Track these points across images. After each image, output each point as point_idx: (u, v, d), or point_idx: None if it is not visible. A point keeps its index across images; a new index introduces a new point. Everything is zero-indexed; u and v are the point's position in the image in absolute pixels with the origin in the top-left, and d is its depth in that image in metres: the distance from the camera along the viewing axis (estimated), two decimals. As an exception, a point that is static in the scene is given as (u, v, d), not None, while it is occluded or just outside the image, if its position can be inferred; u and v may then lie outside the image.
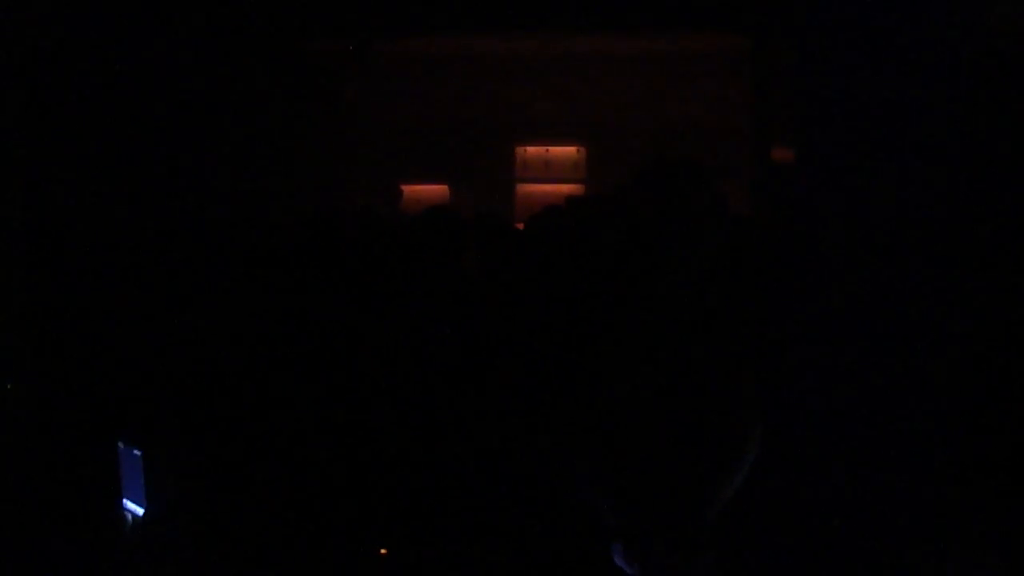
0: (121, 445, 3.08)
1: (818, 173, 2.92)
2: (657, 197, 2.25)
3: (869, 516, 2.90)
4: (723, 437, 2.23)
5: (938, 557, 2.88)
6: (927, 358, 2.91)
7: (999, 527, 3.05)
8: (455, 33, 7.49)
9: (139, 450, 3.01)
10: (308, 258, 3.88)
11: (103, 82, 3.68)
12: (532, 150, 8.71)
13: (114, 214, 3.68)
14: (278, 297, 3.74)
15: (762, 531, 2.68)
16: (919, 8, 2.86)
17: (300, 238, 3.96)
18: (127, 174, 3.78)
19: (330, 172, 7.95)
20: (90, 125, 3.61)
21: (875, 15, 2.85)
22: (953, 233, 2.91)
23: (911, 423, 2.89)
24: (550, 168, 8.68)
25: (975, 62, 2.90)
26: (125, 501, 3.08)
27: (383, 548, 3.27)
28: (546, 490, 2.92)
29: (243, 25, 5.86)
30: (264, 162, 6.50)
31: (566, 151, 8.67)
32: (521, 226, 4.56)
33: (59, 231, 3.47)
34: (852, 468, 2.90)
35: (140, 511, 3.02)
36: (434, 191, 8.55)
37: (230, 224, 4.44)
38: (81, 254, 3.53)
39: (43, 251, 3.37)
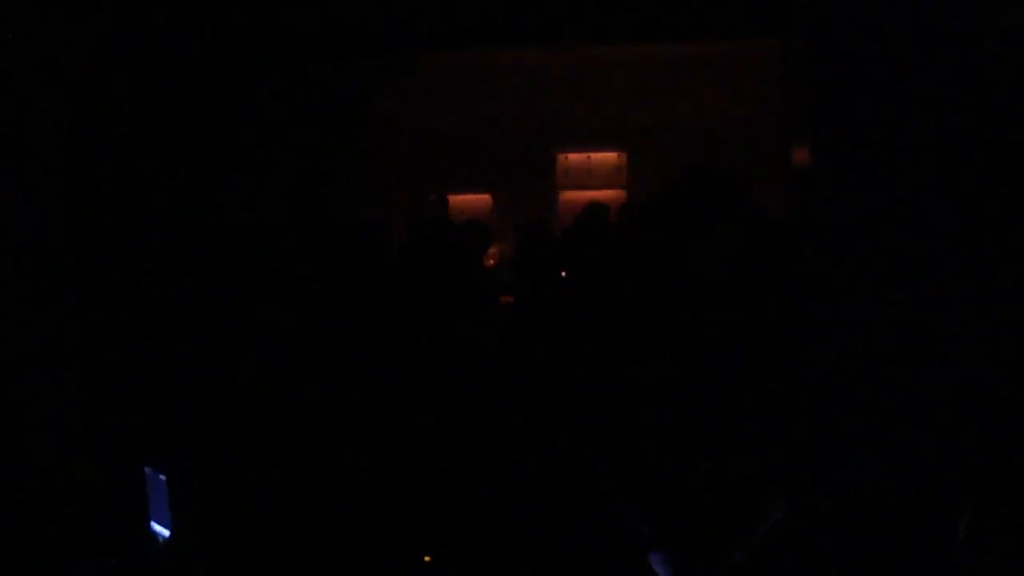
0: (148, 470, 3.22)
1: (829, 176, 2.91)
2: (687, 209, 2.28)
3: (888, 521, 2.89)
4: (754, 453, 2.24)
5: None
6: (947, 362, 2.88)
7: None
8: (494, 46, 7.54)
9: (164, 475, 3.13)
10: (353, 267, 3.94)
11: (147, 94, 3.77)
12: (574, 157, 8.76)
13: (152, 229, 3.76)
14: (318, 308, 3.82)
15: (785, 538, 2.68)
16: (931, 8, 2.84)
17: (347, 247, 4.02)
18: (166, 192, 3.86)
19: (372, 184, 8.06)
20: (132, 138, 3.69)
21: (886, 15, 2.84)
22: (971, 236, 2.87)
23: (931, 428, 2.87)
24: (592, 175, 8.70)
25: (990, 64, 2.86)
26: (152, 523, 3.21)
27: (426, 555, 3.33)
28: (581, 499, 2.95)
29: (281, 40, 5.94)
30: (304, 176, 6.59)
31: (607, 157, 8.69)
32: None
33: (97, 245, 3.55)
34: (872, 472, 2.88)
35: (166, 533, 3.15)
36: (478, 201, 8.65)
37: (272, 239, 4.52)
38: (117, 272, 3.61)
39: (80, 268, 3.46)
